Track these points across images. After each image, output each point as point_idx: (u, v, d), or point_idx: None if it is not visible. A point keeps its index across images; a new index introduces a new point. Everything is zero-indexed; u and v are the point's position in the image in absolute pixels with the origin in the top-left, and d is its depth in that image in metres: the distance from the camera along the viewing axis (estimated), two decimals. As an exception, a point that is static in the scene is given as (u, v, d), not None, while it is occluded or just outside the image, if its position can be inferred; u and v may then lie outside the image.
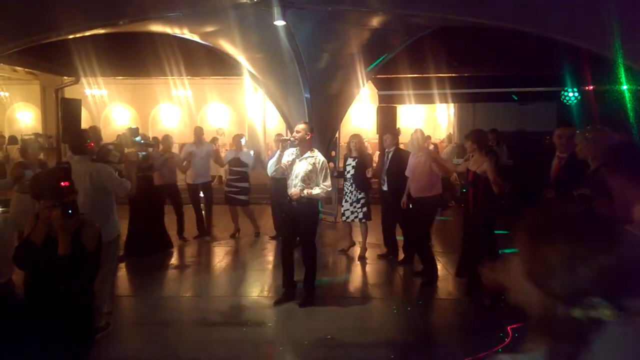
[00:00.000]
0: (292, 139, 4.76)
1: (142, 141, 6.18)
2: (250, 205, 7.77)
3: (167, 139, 7.54)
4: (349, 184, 6.43)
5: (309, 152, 4.77)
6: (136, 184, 4.71)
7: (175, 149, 8.19)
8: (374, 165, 7.06)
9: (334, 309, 4.85)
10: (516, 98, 11.61)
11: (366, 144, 12.60)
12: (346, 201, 6.47)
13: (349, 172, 6.45)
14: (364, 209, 6.34)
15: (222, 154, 8.97)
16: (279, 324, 4.58)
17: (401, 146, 6.69)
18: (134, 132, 5.96)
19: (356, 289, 5.68)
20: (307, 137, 4.75)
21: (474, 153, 4.88)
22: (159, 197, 6.95)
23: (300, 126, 4.79)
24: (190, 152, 7.45)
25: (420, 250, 5.71)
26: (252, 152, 7.98)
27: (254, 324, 4.53)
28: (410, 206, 5.83)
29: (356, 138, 6.60)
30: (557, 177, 4.18)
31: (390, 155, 6.33)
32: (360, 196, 6.35)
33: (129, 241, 6.56)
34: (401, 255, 6.39)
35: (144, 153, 5.95)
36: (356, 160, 6.39)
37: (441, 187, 5.76)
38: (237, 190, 7.50)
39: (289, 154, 4.79)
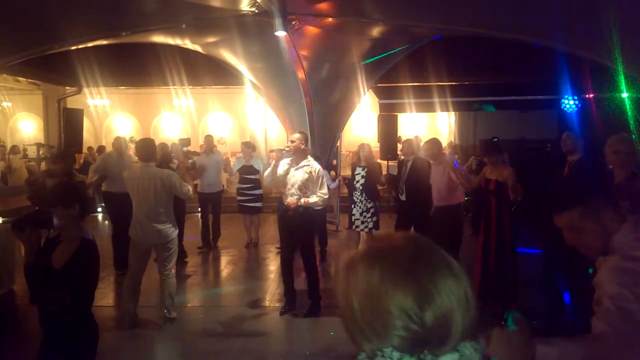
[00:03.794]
0: (287, 148, 4.77)
1: (192, 150, 7.03)
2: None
3: (208, 139, 7.71)
4: (359, 193, 6.37)
5: (304, 161, 4.79)
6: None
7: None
8: (385, 173, 7.01)
9: (337, 319, 4.83)
10: (494, 109, 11.69)
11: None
12: (357, 210, 6.40)
13: (358, 181, 6.41)
14: (374, 218, 6.32)
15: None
16: (281, 334, 4.56)
17: (401, 156, 6.68)
18: (185, 142, 6.66)
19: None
20: (302, 147, 4.77)
21: (495, 164, 4.83)
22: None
23: (295, 135, 4.82)
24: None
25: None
26: (260, 159, 7.97)
27: (257, 334, 4.52)
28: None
29: (365, 147, 6.56)
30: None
31: (409, 165, 6.19)
32: (370, 205, 6.30)
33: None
34: None
35: (192, 161, 6.64)
36: (366, 169, 6.37)
37: (463, 196, 5.66)
38: (253, 198, 7.43)
39: (284, 163, 4.80)
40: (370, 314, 0.73)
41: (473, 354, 0.70)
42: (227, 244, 7.87)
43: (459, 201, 5.52)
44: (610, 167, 3.42)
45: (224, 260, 7.30)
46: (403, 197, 6.22)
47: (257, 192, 7.48)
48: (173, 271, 4.66)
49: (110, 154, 6.68)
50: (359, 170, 6.43)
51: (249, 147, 7.67)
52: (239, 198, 7.52)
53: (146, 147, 4.61)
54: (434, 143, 5.72)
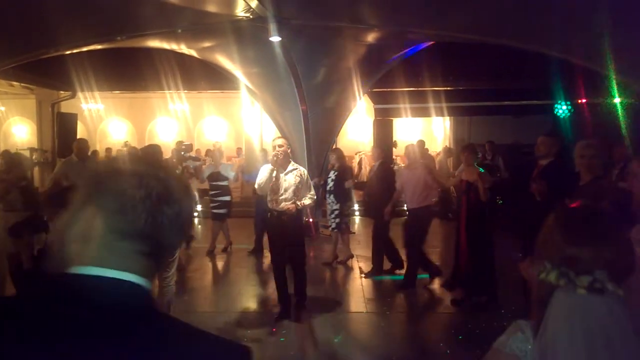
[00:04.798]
0: (278, 154, 4.72)
1: (194, 155, 6.93)
2: (233, 218, 7.69)
3: (178, 145, 7.73)
4: (328, 195, 6.81)
5: (290, 165, 4.81)
6: None
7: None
8: (357, 176, 7.37)
9: (330, 323, 4.83)
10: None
11: (364, 156, 12.65)
12: (328, 212, 6.85)
13: (329, 184, 6.78)
14: (337, 220, 6.65)
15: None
16: (277, 340, 4.54)
17: (398, 159, 6.86)
18: (187, 147, 6.64)
19: (356, 303, 5.66)
20: (288, 151, 4.83)
21: (469, 165, 5.12)
22: None
23: (282, 140, 4.85)
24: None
25: (419, 258, 5.80)
26: (230, 165, 8.00)
27: (252, 340, 4.50)
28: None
29: (334, 152, 7.00)
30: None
31: (375, 168, 6.56)
32: (335, 207, 6.64)
33: None
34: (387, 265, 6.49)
35: (195, 164, 6.47)
36: (336, 173, 6.71)
37: (435, 196, 6.03)
38: (218, 204, 7.37)
39: (267, 169, 4.74)
40: (550, 252, 1.18)
41: (603, 278, 1.08)
42: (220, 249, 7.85)
43: (429, 204, 5.82)
44: (578, 170, 3.77)
45: (218, 265, 7.27)
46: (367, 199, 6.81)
47: (223, 198, 7.40)
48: (174, 278, 4.62)
49: (70, 159, 6.11)
50: (330, 174, 6.70)
51: (219, 153, 7.73)
52: (210, 205, 7.44)
53: (152, 154, 4.59)
54: (410, 150, 5.93)
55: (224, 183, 7.39)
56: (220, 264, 7.34)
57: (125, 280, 0.74)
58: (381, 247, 6.30)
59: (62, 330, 0.68)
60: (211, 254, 7.63)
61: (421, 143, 10.17)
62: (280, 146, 4.74)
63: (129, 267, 0.75)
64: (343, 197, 6.69)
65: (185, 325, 0.80)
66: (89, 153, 6.32)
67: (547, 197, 4.04)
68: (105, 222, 0.75)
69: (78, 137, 9.74)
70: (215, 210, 7.40)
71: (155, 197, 0.75)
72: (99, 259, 0.74)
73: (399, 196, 5.95)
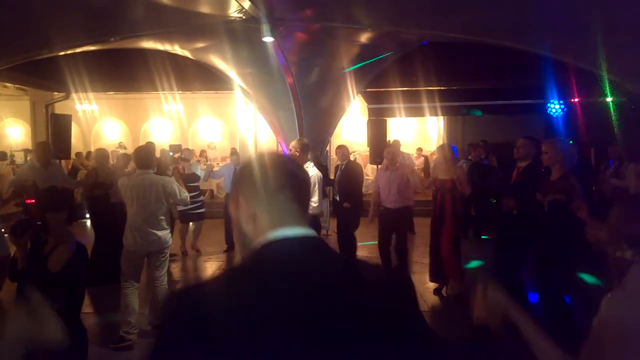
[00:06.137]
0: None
1: (183, 156, 7.03)
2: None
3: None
4: None
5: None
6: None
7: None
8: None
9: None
10: (481, 113, 11.98)
11: (358, 155, 12.69)
12: None
13: None
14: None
15: (216, 168, 8.97)
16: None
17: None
18: (175, 148, 6.43)
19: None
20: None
21: (448, 164, 5.35)
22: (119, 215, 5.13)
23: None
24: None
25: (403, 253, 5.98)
26: (199, 165, 7.98)
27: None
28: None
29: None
30: (515, 184, 4.58)
31: (342, 168, 6.62)
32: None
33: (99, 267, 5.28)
34: None
35: (185, 165, 6.59)
36: None
37: (413, 197, 6.28)
38: (199, 204, 7.23)
39: None
40: (623, 235, 1.55)
41: None
42: (212, 250, 7.82)
43: (411, 203, 5.96)
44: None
45: (213, 266, 7.27)
46: (337, 198, 6.74)
47: (201, 198, 7.38)
48: (165, 278, 4.64)
49: (32, 164, 5.84)
50: None
51: (188, 152, 7.77)
52: (184, 207, 6.92)
53: (145, 155, 4.58)
54: (390, 151, 6.04)
55: (197, 184, 7.31)
56: (209, 267, 7.34)
57: (305, 235, 0.97)
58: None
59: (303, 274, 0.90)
60: (184, 254, 7.48)
61: (396, 143, 10.21)
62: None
63: (299, 224, 0.98)
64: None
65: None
66: (52, 158, 5.91)
67: (525, 200, 4.23)
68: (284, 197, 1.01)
69: (73, 138, 9.69)
70: (194, 211, 7.16)
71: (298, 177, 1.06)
72: (283, 223, 0.97)
73: (378, 197, 5.95)
